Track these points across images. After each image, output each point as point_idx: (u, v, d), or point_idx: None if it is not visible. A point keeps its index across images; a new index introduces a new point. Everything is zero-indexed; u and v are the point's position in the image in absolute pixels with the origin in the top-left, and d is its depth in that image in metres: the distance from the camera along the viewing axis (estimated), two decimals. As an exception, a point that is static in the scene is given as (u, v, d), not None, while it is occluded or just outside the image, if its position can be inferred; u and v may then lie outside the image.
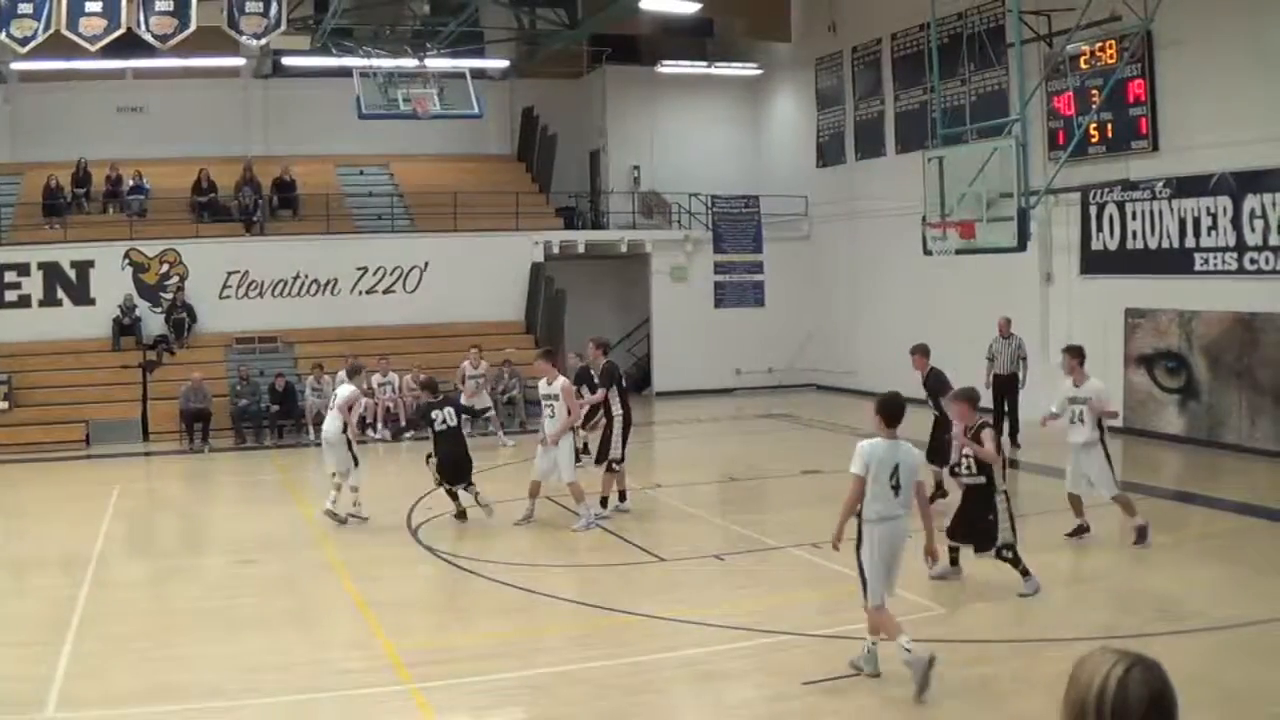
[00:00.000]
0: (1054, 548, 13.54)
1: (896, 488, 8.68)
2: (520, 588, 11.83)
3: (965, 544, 11.51)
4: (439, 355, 26.62)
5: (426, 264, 28.50)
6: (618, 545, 13.86)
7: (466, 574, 12.60)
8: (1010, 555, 11.13)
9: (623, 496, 15.61)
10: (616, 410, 15.28)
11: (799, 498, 16.98)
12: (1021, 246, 18.86)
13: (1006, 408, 20.63)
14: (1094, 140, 21.63)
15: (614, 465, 15.12)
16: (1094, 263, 22.22)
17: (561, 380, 14.65)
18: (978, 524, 11.23)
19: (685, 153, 33.02)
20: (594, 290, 31.64)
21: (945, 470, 15.27)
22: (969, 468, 11.28)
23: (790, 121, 33.03)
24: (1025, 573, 11.19)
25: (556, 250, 29.94)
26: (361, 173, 31.92)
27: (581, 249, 30.46)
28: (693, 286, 31.42)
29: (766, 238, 31.95)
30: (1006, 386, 20.61)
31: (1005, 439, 20.45)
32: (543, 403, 14.60)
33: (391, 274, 28.36)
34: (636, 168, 33.07)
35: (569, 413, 14.38)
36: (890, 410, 8.83)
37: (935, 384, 15.37)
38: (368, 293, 28.22)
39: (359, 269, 28.15)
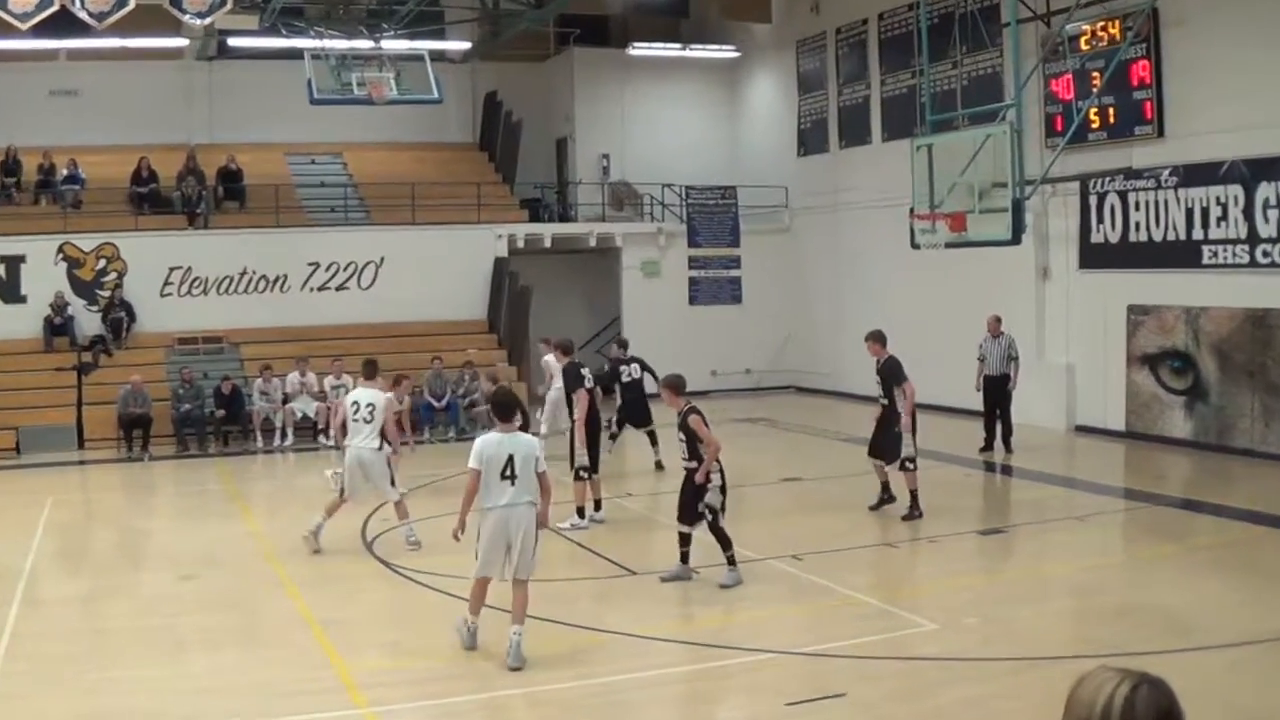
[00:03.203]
0: (1052, 559, 13.60)
1: (512, 478, 9.81)
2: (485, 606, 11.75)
3: (687, 525, 12.28)
4: (396, 356, 26.44)
5: (382, 259, 28.37)
6: (586, 558, 13.82)
7: (425, 589, 12.53)
8: (716, 530, 12.12)
9: (597, 506, 15.75)
10: (577, 414, 15.39)
11: (779, 507, 16.99)
12: (1016, 240, 18.88)
13: (999, 411, 20.69)
14: (1094, 126, 21.64)
15: (581, 474, 15.09)
16: (1094, 256, 22.28)
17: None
18: (693, 504, 12.12)
19: (658, 141, 33.00)
20: (561, 286, 31.57)
21: (895, 467, 15.38)
22: (684, 454, 12.25)
23: (770, 107, 33.05)
24: (731, 561, 12.15)
25: (521, 244, 29.87)
26: (313, 161, 31.75)
27: (548, 243, 30.41)
28: (665, 283, 31.40)
29: (744, 231, 31.94)
30: (997, 388, 20.66)
31: (999, 443, 20.57)
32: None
33: (345, 270, 28.23)
34: (606, 156, 33.03)
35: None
36: (500, 406, 10.17)
37: (889, 372, 15.41)
38: (320, 290, 28.08)
39: (310, 264, 28.00)
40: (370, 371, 15.26)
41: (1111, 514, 16.02)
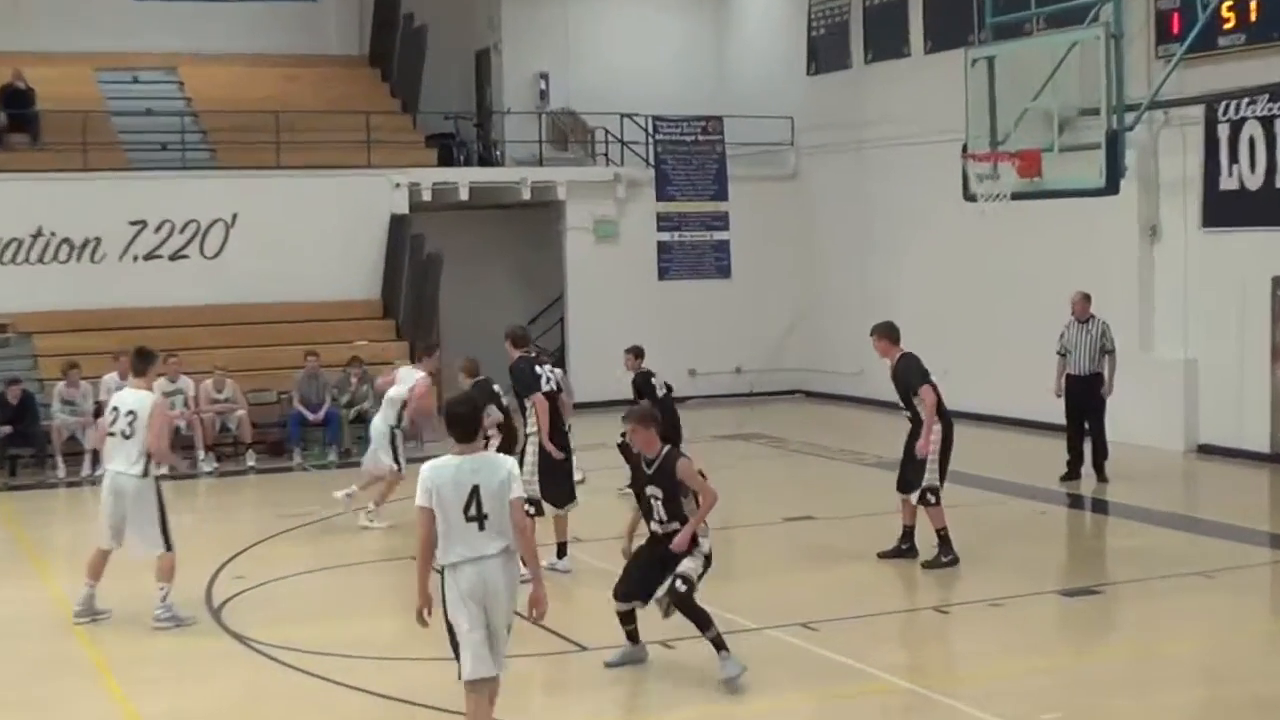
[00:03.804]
0: (1165, 632, 13.56)
1: (480, 519, 9.10)
2: (375, 693, 11.66)
3: (629, 602, 12.09)
4: (255, 351, 26.38)
5: (235, 217, 28.26)
6: (525, 630, 13.62)
7: (295, 673, 12.43)
8: (689, 607, 11.66)
9: (560, 551, 15.88)
10: (530, 427, 15.40)
11: (781, 557, 17.10)
12: (1112, 188, 18.90)
13: (1087, 425, 20.60)
14: (1227, 26, 21.56)
15: (527, 510, 14.94)
16: (1224, 209, 22.28)
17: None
18: (655, 578, 11.80)
19: (615, 56, 33.13)
20: (483, 254, 31.67)
21: (914, 498, 15.34)
22: (660, 516, 11.88)
23: (769, 8, 33.17)
24: (719, 644, 11.67)
25: (428, 196, 29.91)
26: (135, 80, 31.77)
27: (464, 194, 30.44)
28: (626, 249, 31.53)
29: (733, 178, 32.09)
30: (1086, 393, 20.52)
31: (1088, 469, 20.49)
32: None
33: (182, 231, 28.06)
34: (544, 77, 33.16)
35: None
36: (458, 419, 9.35)
37: (905, 374, 15.41)
38: (147, 259, 27.92)
39: (134, 224, 27.81)
40: (141, 365, 14.17)
41: (1251, 569, 15.96)
